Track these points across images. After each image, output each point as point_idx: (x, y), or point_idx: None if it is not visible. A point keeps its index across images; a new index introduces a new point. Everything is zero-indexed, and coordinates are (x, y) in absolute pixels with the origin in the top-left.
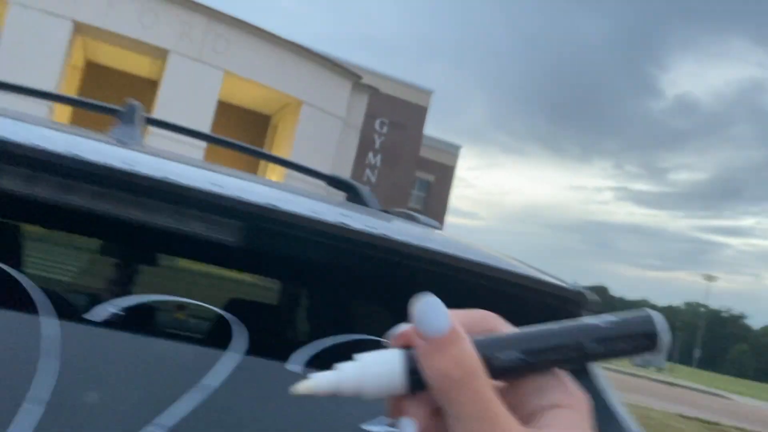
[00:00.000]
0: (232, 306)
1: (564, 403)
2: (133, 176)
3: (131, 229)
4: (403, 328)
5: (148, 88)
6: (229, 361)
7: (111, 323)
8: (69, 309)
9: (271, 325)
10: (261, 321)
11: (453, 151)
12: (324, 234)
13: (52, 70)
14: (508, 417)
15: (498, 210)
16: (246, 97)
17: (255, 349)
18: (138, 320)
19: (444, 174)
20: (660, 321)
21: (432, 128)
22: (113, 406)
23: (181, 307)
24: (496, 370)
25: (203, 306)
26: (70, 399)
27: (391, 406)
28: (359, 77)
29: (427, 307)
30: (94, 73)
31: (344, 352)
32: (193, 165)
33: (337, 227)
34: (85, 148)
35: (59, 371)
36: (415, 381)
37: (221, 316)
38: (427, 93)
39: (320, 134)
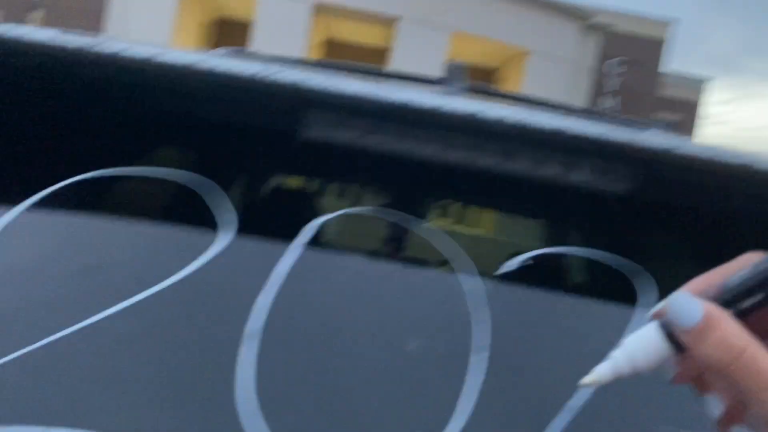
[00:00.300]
0: (637, 258)
1: None
2: (527, 129)
3: (522, 182)
4: (658, 306)
5: (379, 56)
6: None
7: (516, 276)
8: (483, 264)
9: (676, 278)
10: (667, 275)
11: (699, 85)
12: (729, 177)
13: (299, 50)
14: None
15: (758, 147)
16: (471, 53)
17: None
18: (542, 273)
19: (689, 112)
20: None
21: (674, 63)
22: (539, 367)
23: (582, 260)
24: (748, 313)
25: (599, 256)
26: (503, 352)
27: (692, 386)
28: (589, 18)
29: (677, 303)
30: (332, 48)
31: None
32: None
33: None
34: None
35: (491, 324)
36: (677, 343)
37: (624, 268)
38: (667, 25)
39: (548, 82)
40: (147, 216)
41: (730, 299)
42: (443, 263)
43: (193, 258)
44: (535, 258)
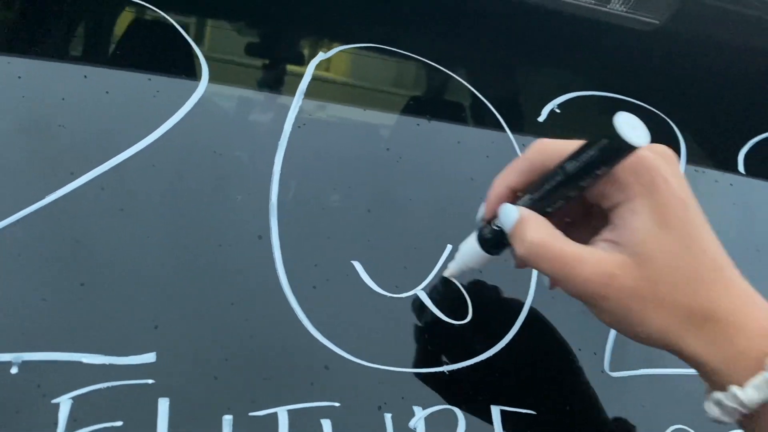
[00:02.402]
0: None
1: (620, 198)
2: None
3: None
4: (479, 213)
5: None
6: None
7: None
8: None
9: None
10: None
11: None
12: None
13: None
14: (580, 256)
15: None
16: None
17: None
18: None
19: None
20: (620, 118)
21: None
22: None
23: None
24: (553, 213)
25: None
26: None
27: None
28: None
29: (500, 212)
30: None
31: None
32: None
33: None
34: None
35: None
36: (493, 249)
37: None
38: None
39: None
40: (90, 57)
41: (538, 202)
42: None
43: (166, 113)
44: (561, 105)
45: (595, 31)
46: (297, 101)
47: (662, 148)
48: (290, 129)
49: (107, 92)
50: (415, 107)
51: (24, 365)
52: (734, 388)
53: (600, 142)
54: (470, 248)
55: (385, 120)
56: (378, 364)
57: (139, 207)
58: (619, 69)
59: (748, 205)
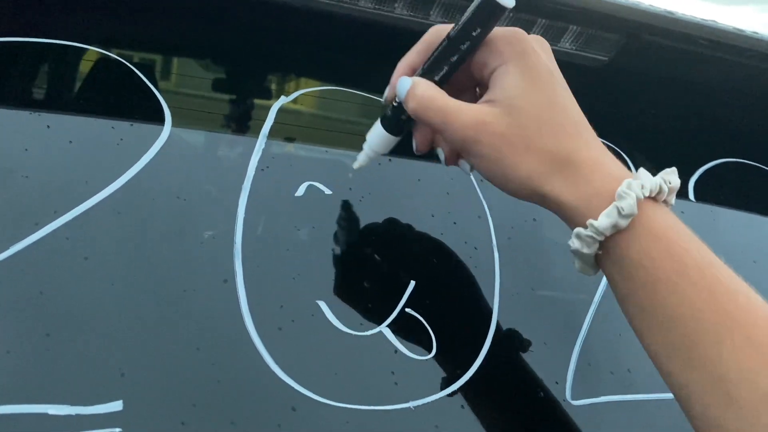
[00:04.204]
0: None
1: (496, 63)
2: None
3: None
4: (386, 93)
5: None
6: None
7: None
8: None
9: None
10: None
11: None
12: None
13: None
14: (459, 107)
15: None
16: None
17: None
18: None
19: None
20: None
21: None
22: None
23: None
24: (444, 78)
25: None
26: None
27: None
28: None
29: (398, 86)
30: None
31: None
32: None
33: None
34: None
35: None
36: (394, 128)
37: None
38: None
39: None
40: (54, 104)
41: (428, 71)
42: None
43: (130, 160)
44: None
45: None
46: (260, 144)
47: (539, 37)
48: (254, 172)
49: (70, 142)
50: None
51: None
52: (590, 220)
53: (475, 3)
54: (375, 134)
55: (348, 161)
56: (345, 403)
57: (103, 255)
58: None
59: (698, 230)
